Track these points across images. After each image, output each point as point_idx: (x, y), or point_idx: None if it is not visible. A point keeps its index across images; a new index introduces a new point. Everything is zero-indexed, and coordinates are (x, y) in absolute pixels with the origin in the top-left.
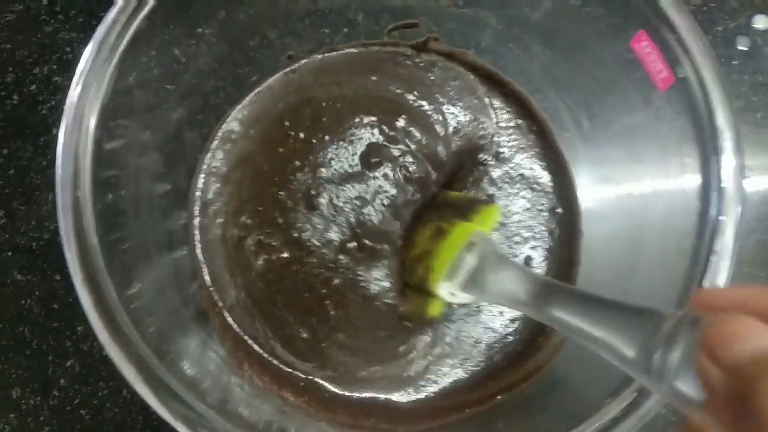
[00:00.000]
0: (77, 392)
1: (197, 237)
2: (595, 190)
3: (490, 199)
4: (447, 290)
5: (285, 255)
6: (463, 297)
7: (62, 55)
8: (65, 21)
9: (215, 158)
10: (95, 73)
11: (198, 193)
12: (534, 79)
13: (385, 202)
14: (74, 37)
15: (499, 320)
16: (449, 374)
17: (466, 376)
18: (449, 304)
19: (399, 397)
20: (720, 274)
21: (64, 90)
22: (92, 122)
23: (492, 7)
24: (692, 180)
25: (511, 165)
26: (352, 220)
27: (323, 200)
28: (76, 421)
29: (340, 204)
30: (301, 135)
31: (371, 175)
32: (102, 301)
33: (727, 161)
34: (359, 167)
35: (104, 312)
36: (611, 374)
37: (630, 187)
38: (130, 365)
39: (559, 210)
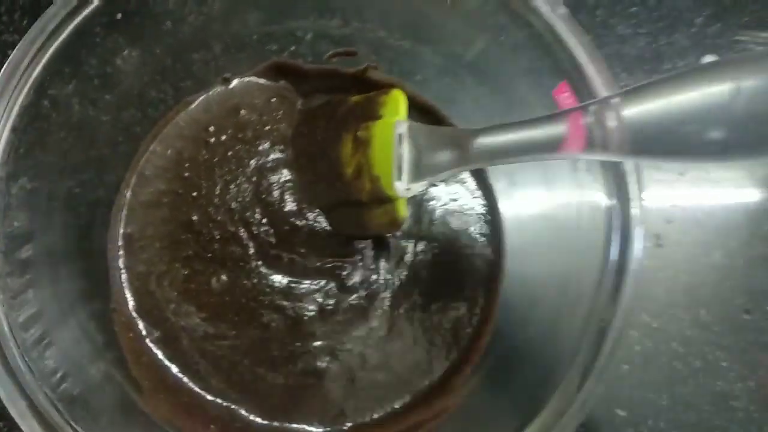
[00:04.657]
0: None
1: (121, 262)
2: (517, 220)
3: (389, 88)
4: (402, 188)
5: (212, 274)
6: (418, 186)
7: (4, 59)
8: (9, 23)
9: (142, 181)
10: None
11: (123, 213)
12: (467, 111)
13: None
14: (18, 40)
15: (420, 354)
16: (367, 410)
17: (383, 412)
18: (409, 199)
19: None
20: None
21: None
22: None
23: (428, 43)
24: (602, 215)
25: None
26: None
27: (253, 215)
28: None
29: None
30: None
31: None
32: None
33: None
34: None
35: None
36: (515, 412)
37: (546, 215)
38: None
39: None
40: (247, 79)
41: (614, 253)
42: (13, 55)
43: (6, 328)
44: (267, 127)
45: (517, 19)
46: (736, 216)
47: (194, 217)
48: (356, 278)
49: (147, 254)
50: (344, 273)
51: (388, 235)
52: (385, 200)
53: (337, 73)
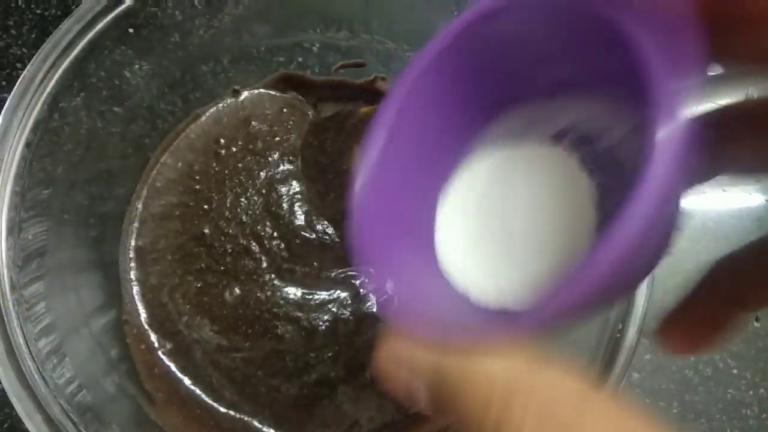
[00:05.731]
0: None
1: (133, 274)
2: None
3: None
4: None
5: (226, 287)
6: None
7: (12, 72)
8: (17, 36)
9: (153, 193)
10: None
11: (135, 226)
12: None
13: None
14: (26, 54)
15: None
16: (381, 420)
17: (397, 423)
18: None
19: None
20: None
21: None
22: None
23: None
24: None
25: None
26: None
27: (267, 229)
28: None
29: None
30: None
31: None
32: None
33: None
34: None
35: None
36: None
37: None
38: (35, 412)
39: None
40: (257, 90)
41: None
42: (27, 70)
43: (21, 340)
44: (277, 138)
45: None
46: (746, 223)
47: (206, 230)
48: (370, 286)
49: (159, 267)
50: (358, 282)
51: None
52: None
53: (345, 84)
